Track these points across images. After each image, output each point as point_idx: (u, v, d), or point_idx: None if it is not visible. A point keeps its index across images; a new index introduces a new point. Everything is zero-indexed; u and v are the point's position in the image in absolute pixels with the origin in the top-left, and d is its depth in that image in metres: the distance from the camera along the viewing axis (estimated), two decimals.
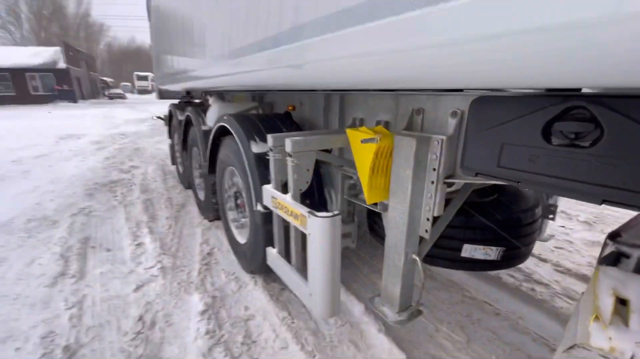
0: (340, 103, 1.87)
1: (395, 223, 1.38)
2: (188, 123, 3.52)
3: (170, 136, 4.95)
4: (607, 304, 0.92)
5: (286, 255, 1.69)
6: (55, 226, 3.27)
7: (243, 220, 2.43)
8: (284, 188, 1.57)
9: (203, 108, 3.40)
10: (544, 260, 2.70)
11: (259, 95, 2.95)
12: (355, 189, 1.87)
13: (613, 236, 1.16)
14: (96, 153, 6.84)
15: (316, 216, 1.21)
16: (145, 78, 49.04)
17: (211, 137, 2.48)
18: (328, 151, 1.79)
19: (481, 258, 1.65)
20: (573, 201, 3.93)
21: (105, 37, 58.93)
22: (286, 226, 1.73)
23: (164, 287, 2.30)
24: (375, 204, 1.50)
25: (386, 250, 1.46)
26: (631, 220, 1.32)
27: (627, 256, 1.06)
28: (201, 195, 3.46)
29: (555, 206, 2.22)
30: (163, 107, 4.87)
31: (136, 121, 13.59)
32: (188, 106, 3.65)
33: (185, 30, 2.80)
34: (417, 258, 1.39)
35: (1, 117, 14.80)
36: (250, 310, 2.07)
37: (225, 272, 2.48)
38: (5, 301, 2.16)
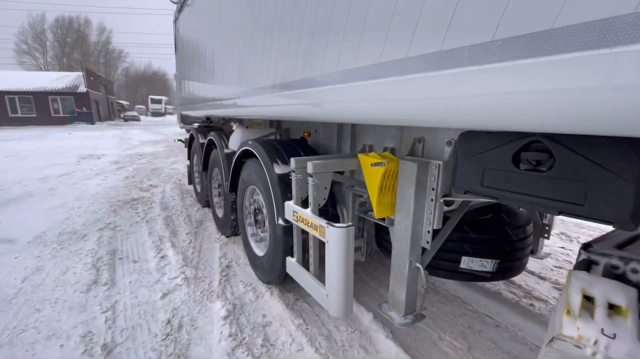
0: (351, 132, 2.15)
1: (400, 236, 1.60)
2: (210, 145, 3.85)
3: (189, 157, 5.28)
4: (576, 301, 1.13)
5: (303, 263, 1.91)
6: (85, 239, 3.53)
7: (262, 234, 2.66)
8: (304, 204, 1.82)
9: (224, 132, 3.72)
10: (544, 278, 2.85)
11: (276, 121, 3.27)
12: (365, 206, 2.10)
13: (586, 246, 1.37)
14: (116, 173, 7.22)
15: (334, 226, 1.45)
16: (159, 101, 51.09)
17: (234, 158, 2.77)
18: (341, 173, 2.05)
19: (478, 270, 1.84)
20: (573, 224, 4.09)
21: (123, 62, 61.86)
22: (304, 238, 1.96)
23: (188, 295, 2.50)
24: (383, 219, 1.74)
25: (393, 260, 1.68)
26: (604, 235, 1.53)
27: (597, 264, 1.27)
28: (219, 213, 3.72)
29: (549, 225, 2.42)
30: (176, 129, 5.19)
31: (151, 142, 14.16)
32: (210, 130, 3.98)
33: (211, 65, 3.17)
34: (420, 266, 1.61)
35: (26, 137, 15.56)
36: (268, 317, 2.26)
37: (243, 283, 2.68)
38: (46, 305, 2.38)
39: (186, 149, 5.45)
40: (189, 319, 2.23)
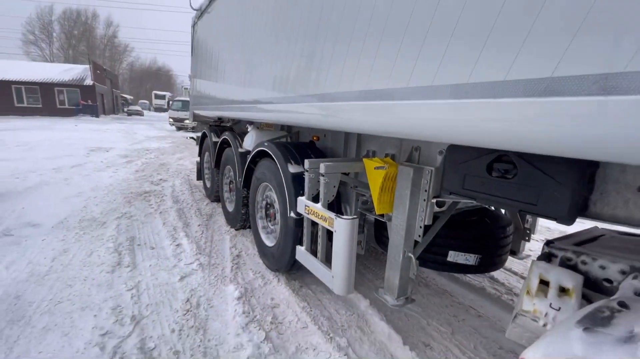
0: (357, 139, 2.44)
1: (396, 229, 1.89)
2: (223, 144, 4.13)
3: (200, 154, 5.56)
4: (535, 284, 1.42)
5: (312, 250, 2.20)
6: (104, 227, 3.81)
7: (272, 227, 2.94)
8: (314, 199, 2.10)
9: (237, 133, 4.01)
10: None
11: (287, 125, 3.55)
12: (366, 204, 2.39)
13: (548, 243, 1.66)
14: (126, 166, 7.49)
15: (342, 218, 1.73)
16: (162, 97, 51.35)
17: (249, 157, 3.05)
18: (346, 174, 2.34)
19: (462, 263, 2.12)
20: (558, 232, 4.38)
21: (129, 56, 62.16)
22: (312, 230, 2.25)
23: (204, 279, 2.78)
24: (383, 215, 2.02)
25: (389, 251, 1.96)
26: (567, 234, 1.83)
27: (555, 256, 1.55)
28: (230, 207, 4.00)
29: (530, 229, 2.71)
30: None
31: (157, 138, 14.44)
32: (225, 130, 4.27)
33: (231, 69, 3.46)
34: (412, 256, 1.89)
35: (32, 127, 15.81)
36: (276, 300, 2.54)
37: (252, 271, 2.96)
38: (76, 281, 2.66)
39: (193, 146, 5.72)
40: (206, 299, 2.51)
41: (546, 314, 1.35)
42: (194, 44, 5.26)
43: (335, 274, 1.82)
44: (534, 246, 3.69)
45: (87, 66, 28.47)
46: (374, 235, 2.61)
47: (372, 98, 1.43)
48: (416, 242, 1.91)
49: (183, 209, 4.61)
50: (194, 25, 5.13)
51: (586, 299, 1.34)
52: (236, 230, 3.86)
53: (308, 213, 2.08)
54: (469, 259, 2.14)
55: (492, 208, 2.55)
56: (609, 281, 1.36)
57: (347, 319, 2.35)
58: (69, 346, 1.97)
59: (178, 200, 5.03)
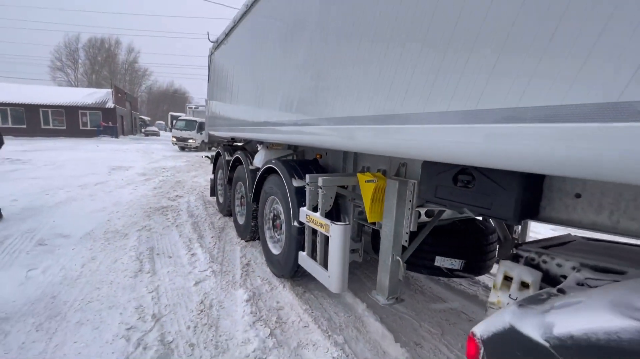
0: (354, 156, 2.74)
1: (386, 236, 2.14)
2: (235, 162, 4.49)
3: (214, 172, 5.95)
4: (500, 279, 1.65)
5: (312, 255, 2.46)
6: (127, 238, 4.16)
7: (278, 236, 3.22)
8: (314, 209, 2.39)
9: (249, 151, 4.37)
10: None
11: (293, 145, 3.89)
12: (362, 215, 2.65)
13: (517, 246, 1.89)
14: (145, 184, 7.96)
15: (336, 224, 2.01)
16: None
17: (259, 174, 3.38)
18: (345, 187, 2.62)
19: (448, 267, 2.34)
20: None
21: (147, 80, 65.25)
22: (313, 238, 2.52)
23: (216, 284, 3.05)
24: (374, 223, 2.28)
25: (380, 255, 2.21)
26: (537, 239, 2.05)
27: (521, 257, 1.78)
28: (240, 220, 4.30)
29: (518, 239, 2.91)
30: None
31: (172, 157, 15.10)
32: (237, 149, 4.64)
33: (243, 94, 3.86)
34: (400, 260, 2.13)
35: (59, 147, 16.77)
36: (281, 303, 2.78)
37: (260, 278, 3.22)
38: (104, 284, 2.97)
39: (206, 165, 6.12)
40: (218, 301, 2.77)
41: (507, 304, 1.58)
42: (210, 72, 5.76)
43: (331, 274, 2.08)
44: None
45: (109, 90, 30.17)
46: (372, 244, 2.85)
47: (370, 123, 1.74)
48: (404, 247, 2.16)
49: (197, 222, 4.94)
50: (210, 55, 5.65)
51: None
52: (246, 241, 4.15)
53: (308, 222, 2.36)
54: (455, 264, 2.36)
55: (480, 218, 2.77)
56: (565, 276, 1.58)
57: (345, 320, 2.57)
58: (99, 337, 2.25)
59: (193, 214, 5.38)
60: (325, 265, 2.24)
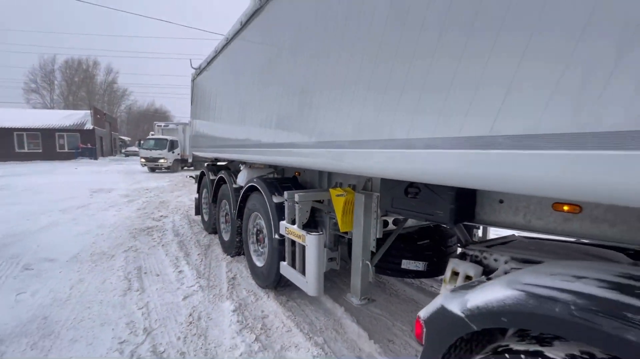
0: (328, 174, 3.04)
1: (356, 243, 2.43)
2: (220, 181, 4.72)
3: (198, 191, 6.12)
4: (448, 274, 1.95)
5: (292, 263, 2.71)
6: (114, 259, 4.26)
7: (261, 249, 3.45)
8: (292, 222, 2.66)
9: (232, 171, 4.61)
10: None
11: (274, 165, 4.17)
12: (336, 226, 2.93)
13: (464, 245, 2.21)
14: (128, 205, 7.99)
15: (310, 234, 2.28)
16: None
17: (242, 192, 3.63)
18: (321, 202, 2.90)
19: (413, 269, 2.64)
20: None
21: (127, 100, 64.48)
22: (292, 249, 2.77)
23: (204, 297, 3.23)
24: (346, 232, 2.57)
25: (352, 261, 2.49)
26: (486, 239, 2.38)
27: (468, 254, 2.09)
28: (226, 237, 4.50)
29: (476, 241, 3.25)
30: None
31: (155, 177, 15.03)
32: (221, 169, 4.88)
33: (225, 118, 4.14)
34: (369, 264, 2.42)
35: (37, 171, 16.36)
36: (265, 312, 2.99)
37: (246, 290, 3.42)
38: (94, 304, 3.09)
39: (190, 184, 6.30)
40: (206, 313, 2.95)
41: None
42: (193, 95, 6.03)
43: (308, 279, 2.33)
44: None
45: (88, 111, 29.79)
46: (348, 253, 3.12)
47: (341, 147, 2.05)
48: (372, 253, 2.45)
49: (183, 241, 5.09)
50: (193, 80, 5.94)
51: None
52: (232, 256, 4.33)
53: (288, 234, 2.63)
54: (419, 266, 2.66)
55: (444, 225, 3.10)
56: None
57: (325, 323, 2.80)
58: (93, 351, 2.40)
59: (178, 234, 5.51)
60: (303, 271, 2.50)
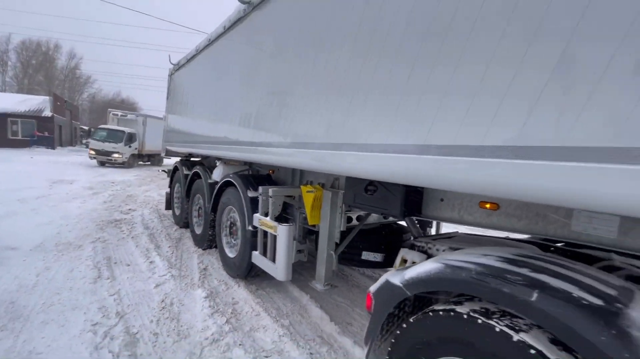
0: (300, 172, 3.32)
1: (323, 235, 2.72)
2: (194, 176, 4.83)
3: (170, 186, 6.14)
4: (398, 261, 2.28)
5: (263, 253, 2.95)
6: (81, 249, 4.24)
7: (234, 241, 3.64)
8: (265, 215, 2.90)
9: (207, 166, 4.75)
10: None
11: (249, 162, 4.38)
12: (306, 220, 3.22)
13: (414, 238, 2.56)
14: (93, 197, 7.76)
15: (281, 225, 2.55)
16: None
17: (217, 186, 3.81)
18: (292, 198, 3.17)
19: (372, 260, 2.98)
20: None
21: (90, 88, 60.82)
22: (264, 240, 3.01)
23: (176, 286, 3.37)
24: (314, 225, 2.85)
25: (318, 251, 2.77)
26: (433, 234, 2.77)
27: (416, 246, 2.45)
28: (198, 230, 4.62)
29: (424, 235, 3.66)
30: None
31: (121, 171, 14.49)
32: (196, 164, 4.99)
33: (204, 116, 4.29)
34: (333, 254, 2.72)
35: None
36: (236, 299, 3.19)
37: (217, 279, 3.59)
38: (63, 290, 3.13)
39: (159, 179, 6.30)
40: (178, 300, 3.10)
41: None
42: (169, 90, 6.06)
43: (278, 265, 2.59)
44: None
45: (46, 97, 27.86)
46: (315, 245, 3.41)
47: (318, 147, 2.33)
48: (337, 244, 2.75)
49: (154, 234, 5.12)
50: (171, 75, 5.97)
51: None
52: (203, 249, 4.47)
53: (261, 225, 2.87)
54: (377, 257, 3.00)
55: (403, 222, 3.48)
56: None
57: (291, 309, 3.06)
58: (66, 332, 2.49)
59: (148, 227, 5.52)
60: (273, 259, 2.75)
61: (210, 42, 4.01)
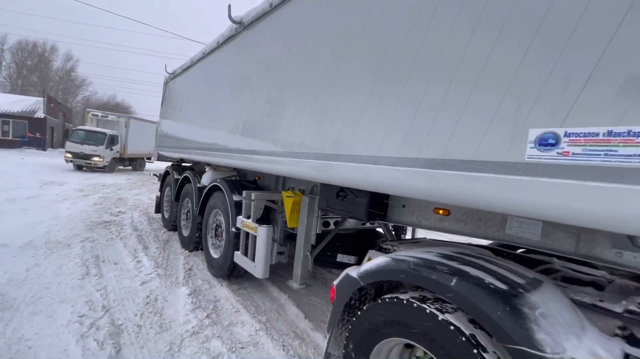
0: (283, 179, 3.56)
1: (300, 237, 2.95)
2: (184, 180, 5.03)
3: (161, 189, 6.31)
4: (365, 261, 2.51)
5: (244, 253, 3.16)
6: (70, 247, 4.38)
7: (219, 243, 3.84)
8: (248, 217, 3.12)
9: (197, 171, 4.96)
10: None
11: (238, 168, 4.60)
12: (286, 223, 3.44)
13: (383, 242, 2.80)
14: (84, 199, 7.86)
15: (261, 226, 2.77)
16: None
17: (205, 190, 4.02)
18: (275, 202, 3.39)
19: (346, 262, 3.20)
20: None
21: (85, 91, 60.60)
22: (246, 242, 3.22)
23: (161, 283, 3.54)
24: (293, 228, 3.08)
25: (296, 252, 2.99)
26: (401, 239, 3.01)
27: (384, 249, 2.68)
28: (185, 232, 4.79)
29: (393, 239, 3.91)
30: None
31: (113, 174, 14.52)
32: (186, 169, 5.19)
33: (197, 123, 4.53)
34: (309, 255, 2.94)
35: None
36: (218, 297, 3.37)
37: (201, 279, 3.77)
38: (52, 285, 3.28)
39: (150, 183, 6.47)
40: (162, 296, 3.27)
41: None
42: (164, 98, 6.30)
43: (257, 264, 2.80)
44: None
45: (40, 99, 27.79)
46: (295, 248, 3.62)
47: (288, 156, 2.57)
48: (313, 246, 2.98)
49: (142, 235, 5.27)
50: (166, 83, 6.22)
51: None
52: (189, 251, 4.63)
53: (243, 227, 3.08)
54: (351, 259, 3.23)
55: (380, 229, 3.72)
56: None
57: (270, 306, 3.25)
58: (54, 322, 2.64)
59: (137, 229, 5.66)
60: (253, 258, 2.96)
61: (205, 55, 4.28)
